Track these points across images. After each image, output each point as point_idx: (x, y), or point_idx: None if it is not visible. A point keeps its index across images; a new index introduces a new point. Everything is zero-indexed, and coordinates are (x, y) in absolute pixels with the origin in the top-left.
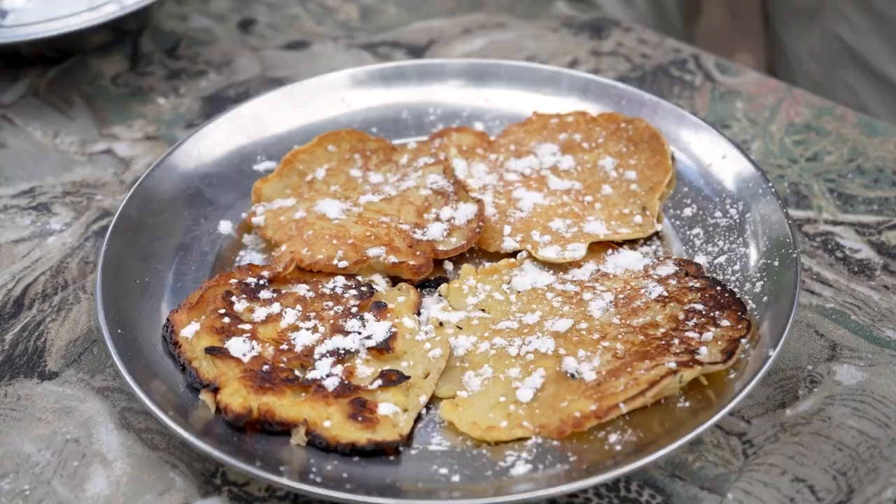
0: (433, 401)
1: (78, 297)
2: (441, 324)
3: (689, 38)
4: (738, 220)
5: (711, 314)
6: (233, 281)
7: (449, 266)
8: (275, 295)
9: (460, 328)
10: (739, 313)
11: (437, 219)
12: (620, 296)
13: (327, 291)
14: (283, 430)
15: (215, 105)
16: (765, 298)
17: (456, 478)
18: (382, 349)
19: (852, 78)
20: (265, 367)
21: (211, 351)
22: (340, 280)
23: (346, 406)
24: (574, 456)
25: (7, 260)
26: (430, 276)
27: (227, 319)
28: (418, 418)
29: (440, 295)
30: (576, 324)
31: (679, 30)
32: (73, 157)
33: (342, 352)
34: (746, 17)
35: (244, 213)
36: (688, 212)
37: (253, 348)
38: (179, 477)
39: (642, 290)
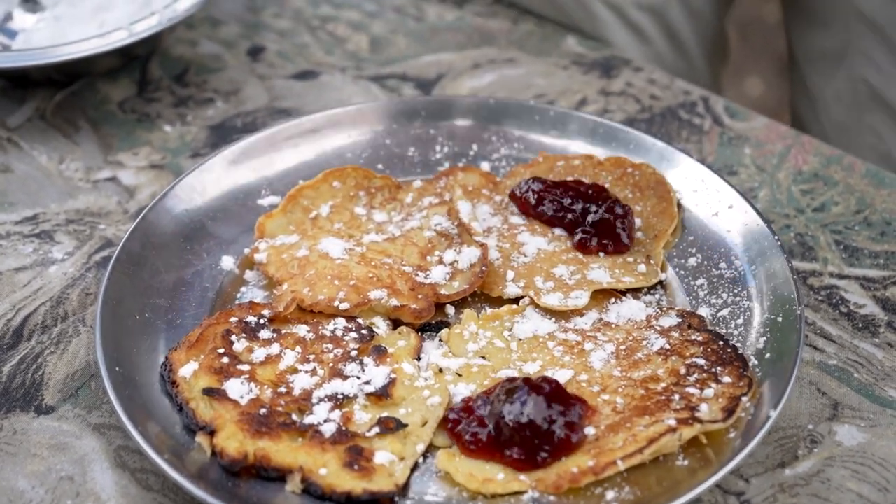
0: (430, 449)
1: (77, 329)
2: (441, 370)
3: (715, 84)
4: (742, 273)
5: (713, 370)
6: (233, 319)
7: (451, 310)
8: (275, 335)
9: (460, 375)
10: (741, 370)
11: (441, 262)
12: (622, 347)
13: (327, 333)
14: (279, 476)
15: (222, 134)
16: (767, 355)
17: None
18: (381, 395)
19: (878, 123)
20: (262, 411)
21: (209, 392)
22: (341, 322)
23: (343, 454)
24: None
25: (7, 289)
26: (432, 319)
27: (225, 359)
28: (415, 467)
29: (441, 340)
30: (576, 375)
31: (704, 72)
32: (78, 183)
33: (340, 396)
34: (758, 41)
35: (247, 248)
36: (692, 261)
37: (251, 390)
38: None
39: (644, 342)
